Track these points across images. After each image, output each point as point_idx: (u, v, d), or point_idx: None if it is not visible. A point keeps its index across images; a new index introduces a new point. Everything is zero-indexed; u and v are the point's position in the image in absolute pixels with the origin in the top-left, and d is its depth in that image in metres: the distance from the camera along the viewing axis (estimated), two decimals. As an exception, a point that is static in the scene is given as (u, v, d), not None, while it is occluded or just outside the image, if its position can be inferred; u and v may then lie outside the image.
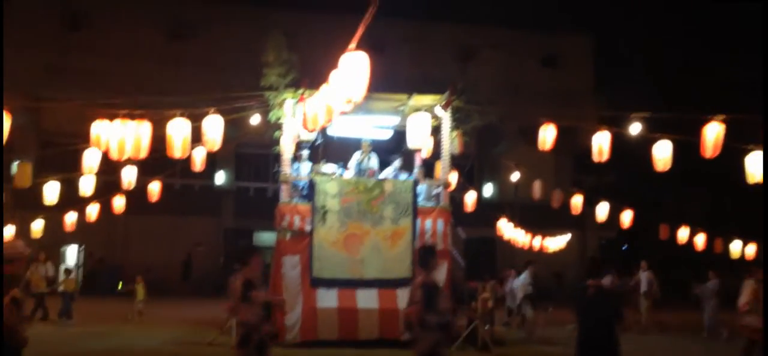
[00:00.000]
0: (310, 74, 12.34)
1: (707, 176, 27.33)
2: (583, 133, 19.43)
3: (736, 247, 20.56)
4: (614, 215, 18.92)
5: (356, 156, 14.11)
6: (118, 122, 9.58)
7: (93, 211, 16.52)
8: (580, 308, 6.91)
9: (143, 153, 9.69)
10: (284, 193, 13.08)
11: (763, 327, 4.55)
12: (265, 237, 24.17)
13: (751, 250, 20.32)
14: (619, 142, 11.79)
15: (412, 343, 6.34)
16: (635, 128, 11.95)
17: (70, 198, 16.06)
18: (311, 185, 12.92)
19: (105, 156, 10.98)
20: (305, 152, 14.01)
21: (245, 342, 6.32)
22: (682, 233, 19.67)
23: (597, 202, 18.88)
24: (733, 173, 11.40)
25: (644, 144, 11.54)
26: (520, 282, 14.01)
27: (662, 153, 10.96)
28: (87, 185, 14.67)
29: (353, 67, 6.57)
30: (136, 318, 16.23)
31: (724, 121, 9.75)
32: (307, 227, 12.74)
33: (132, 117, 9.60)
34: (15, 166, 17.72)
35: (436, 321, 6.24)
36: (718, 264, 18.61)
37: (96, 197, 15.65)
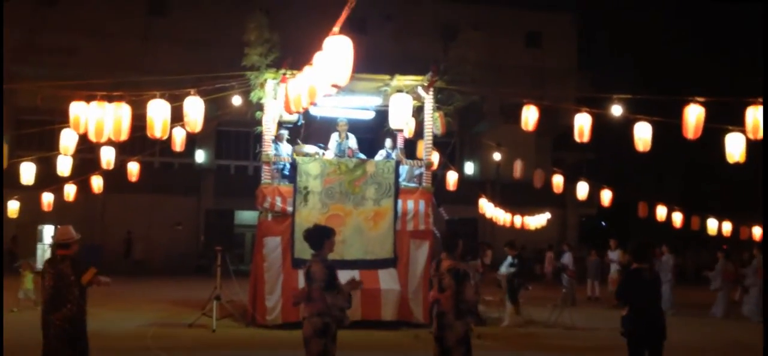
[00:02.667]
0: (292, 53, 12.23)
1: (686, 155, 27.63)
2: (564, 112, 19.58)
3: (712, 225, 20.82)
4: (594, 193, 19.08)
5: (334, 137, 14.05)
6: (95, 104, 9.41)
7: (71, 190, 16.33)
8: (636, 292, 7.07)
9: (123, 135, 9.56)
10: (266, 174, 12.99)
11: (763, 322, 4.66)
12: (246, 217, 24.11)
13: (727, 228, 20.60)
14: (600, 122, 11.85)
15: (441, 330, 6.10)
16: (616, 110, 11.99)
17: (48, 178, 15.87)
18: (293, 166, 12.84)
19: (83, 135, 10.82)
20: (286, 133, 13.91)
21: (324, 333, 5.98)
22: (660, 212, 19.91)
23: (577, 181, 19.03)
24: (712, 152, 11.53)
25: (625, 124, 11.61)
26: (503, 270, 14.02)
27: (643, 134, 11.04)
28: (64, 164, 14.48)
29: (337, 51, 6.50)
30: (18, 306, 13.96)
31: (703, 103, 9.86)
32: (289, 208, 12.68)
33: (110, 99, 9.44)
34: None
35: (466, 308, 6.09)
36: (694, 242, 18.95)
37: (74, 176, 15.47)
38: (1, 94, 8.94)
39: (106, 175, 15.92)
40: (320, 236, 6.21)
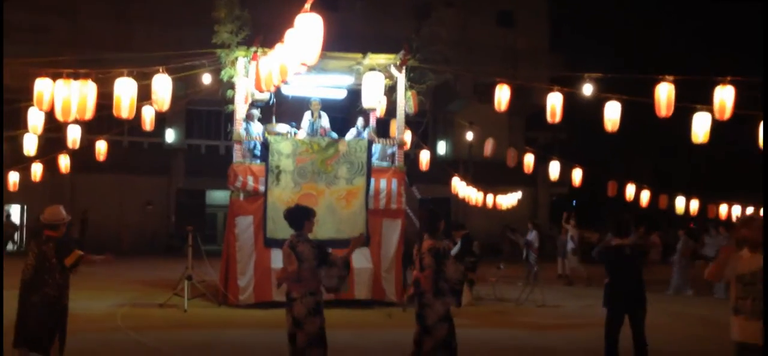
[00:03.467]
0: (263, 31, 12.09)
1: (655, 135, 27.98)
2: (536, 92, 19.68)
3: (680, 203, 21.16)
4: (565, 172, 19.25)
5: (307, 116, 13.96)
6: (61, 81, 9.21)
7: (37, 170, 16.04)
8: (615, 265, 7.63)
9: (89, 114, 9.35)
10: (237, 153, 12.89)
11: (763, 326, 4.82)
12: (218, 196, 23.93)
13: (694, 206, 20.95)
14: (572, 101, 11.92)
15: (422, 308, 6.11)
16: (587, 89, 12.07)
17: (13, 157, 15.56)
18: (265, 145, 12.74)
19: (50, 114, 10.60)
20: (257, 112, 13.78)
21: (318, 311, 6.05)
22: (629, 191, 20.17)
23: (549, 160, 19.18)
24: (680, 132, 11.68)
25: (597, 103, 11.69)
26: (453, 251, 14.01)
27: (612, 114, 11.13)
28: (30, 143, 14.20)
29: (307, 29, 6.43)
30: None
31: (673, 81, 9.97)
32: (261, 188, 12.60)
33: (76, 77, 9.24)
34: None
35: (448, 287, 6.08)
36: (662, 220, 19.28)
37: (40, 155, 15.19)
38: (2, 91, 8.79)
39: (74, 154, 15.66)
40: (300, 216, 6.22)
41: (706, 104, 10.03)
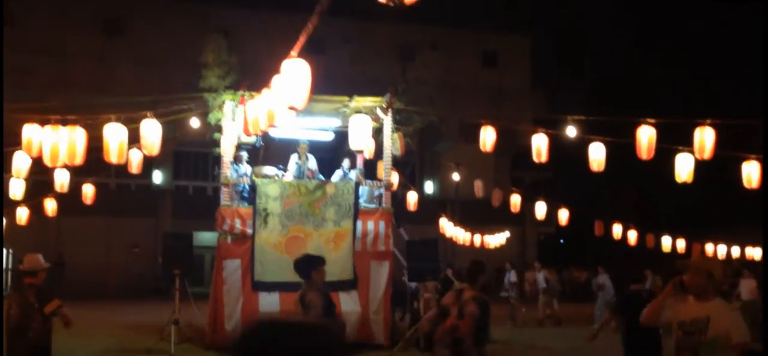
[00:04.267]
0: (250, 75, 12.22)
1: (639, 175, 28.24)
2: (521, 132, 19.88)
3: (666, 242, 21.33)
4: (552, 212, 19.40)
5: (294, 158, 14.03)
6: (49, 128, 9.25)
7: (23, 214, 15.96)
8: (633, 312, 7.39)
9: (79, 159, 9.39)
10: (225, 195, 12.91)
11: (763, 335, 4.82)
12: (205, 238, 23.82)
13: (681, 244, 21.13)
14: (556, 141, 12.08)
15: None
16: (571, 131, 12.24)
17: (-1, 201, 15.48)
18: (252, 188, 12.78)
19: (36, 158, 10.60)
20: (245, 154, 13.84)
21: None
22: (616, 230, 20.32)
23: (535, 199, 19.33)
24: (664, 172, 11.86)
25: (580, 144, 11.87)
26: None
27: (597, 154, 11.31)
28: (17, 187, 14.15)
29: (295, 74, 6.54)
30: None
31: (654, 125, 10.16)
32: (249, 230, 12.60)
33: (64, 123, 9.29)
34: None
35: (484, 337, 6.16)
36: (649, 260, 19.37)
37: (26, 199, 15.13)
38: (1, 96, 8.74)
39: (61, 197, 15.61)
40: (308, 265, 6.27)
41: (687, 144, 10.24)
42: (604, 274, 17.52)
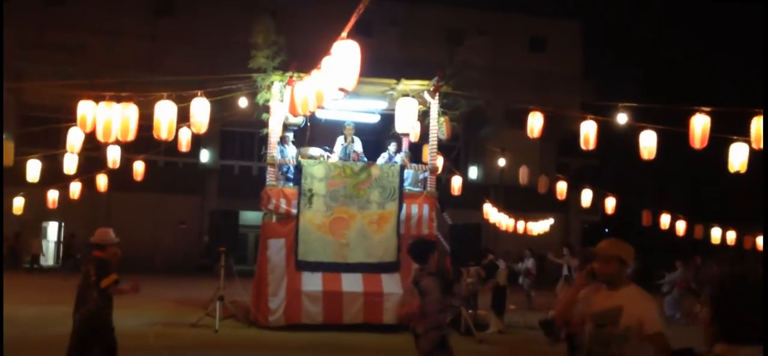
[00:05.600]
0: (298, 57, 12.28)
1: (689, 164, 27.57)
2: (568, 118, 19.61)
3: (716, 233, 20.83)
4: (598, 200, 19.10)
5: (340, 140, 14.07)
6: (103, 104, 9.46)
7: (76, 188, 16.39)
8: None
9: (131, 136, 9.59)
10: (271, 176, 13.04)
11: (764, 328, 4.53)
12: (250, 217, 24.15)
13: (731, 236, 20.61)
14: (605, 129, 11.87)
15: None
16: (622, 118, 12.00)
17: (53, 175, 15.92)
18: (298, 169, 12.88)
19: (89, 133, 10.85)
20: (290, 135, 13.94)
21: (443, 346, 6.03)
22: (664, 220, 19.92)
23: (581, 187, 19.05)
24: (715, 161, 11.56)
25: (630, 132, 11.63)
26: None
27: (647, 142, 11.09)
28: (70, 162, 14.52)
29: (345, 55, 6.53)
30: None
31: (709, 113, 9.89)
32: (293, 210, 12.72)
33: (118, 100, 9.49)
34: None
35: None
36: (698, 251, 18.98)
37: (79, 174, 15.52)
38: (2, 92, 9.04)
39: (111, 173, 15.97)
40: (425, 250, 6.22)
41: (741, 134, 9.96)
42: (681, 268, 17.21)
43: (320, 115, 14.41)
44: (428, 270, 6.03)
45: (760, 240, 21.02)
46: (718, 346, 5.27)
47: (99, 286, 6.76)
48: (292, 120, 13.47)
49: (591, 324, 4.26)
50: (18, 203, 16.91)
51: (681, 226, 19.99)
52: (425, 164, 13.85)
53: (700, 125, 9.86)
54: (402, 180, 13.07)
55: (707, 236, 20.85)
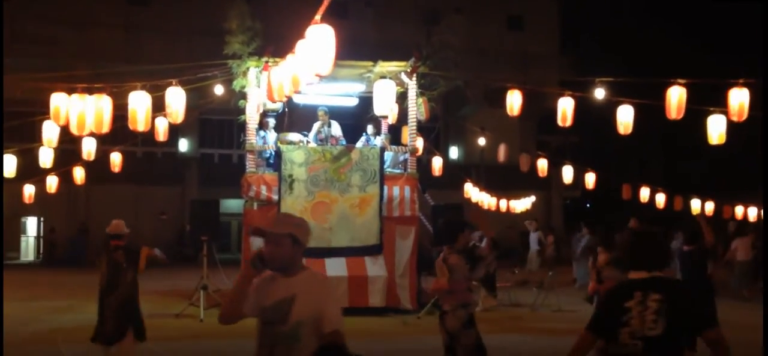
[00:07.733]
0: (274, 42, 12.18)
1: (668, 138, 27.84)
2: (547, 96, 19.66)
3: (695, 205, 21.03)
4: (578, 176, 19.20)
5: (316, 126, 14.00)
6: (76, 96, 9.31)
7: (52, 182, 16.19)
8: (686, 266, 9.05)
9: (105, 127, 9.46)
10: (250, 163, 12.96)
11: (763, 334, 4.57)
12: (232, 205, 24.06)
13: (709, 207, 20.81)
14: (583, 105, 11.90)
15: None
16: (599, 93, 12.04)
17: (29, 169, 15.71)
18: (277, 155, 12.81)
19: (64, 126, 10.70)
20: (271, 121, 13.85)
21: (471, 323, 6.04)
22: (644, 193, 20.07)
23: (561, 164, 19.14)
24: (695, 135, 11.65)
25: (608, 107, 11.68)
26: None
27: (625, 117, 11.14)
28: (46, 156, 14.34)
29: (319, 39, 6.48)
30: None
31: (685, 85, 9.94)
32: (274, 197, 12.67)
33: (91, 92, 9.35)
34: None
35: None
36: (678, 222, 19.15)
37: (55, 167, 15.33)
38: (2, 92, 8.96)
39: (89, 166, 15.79)
40: (454, 230, 6.28)
41: (718, 106, 10.03)
42: (588, 235, 17.49)
43: (298, 100, 14.34)
44: (456, 249, 6.07)
45: (739, 210, 21.27)
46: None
47: (135, 268, 7.47)
48: (270, 106, 13.37)
49: (260, 321, 3.43)
50: (-6, 199, 16.67)
51: (661, 199, 20.16)
52: (405, 145, 13.83)
53: (675, 96, 9.91)
54: (382, 162, 13.06)
55: (687, 207, 21.04)
